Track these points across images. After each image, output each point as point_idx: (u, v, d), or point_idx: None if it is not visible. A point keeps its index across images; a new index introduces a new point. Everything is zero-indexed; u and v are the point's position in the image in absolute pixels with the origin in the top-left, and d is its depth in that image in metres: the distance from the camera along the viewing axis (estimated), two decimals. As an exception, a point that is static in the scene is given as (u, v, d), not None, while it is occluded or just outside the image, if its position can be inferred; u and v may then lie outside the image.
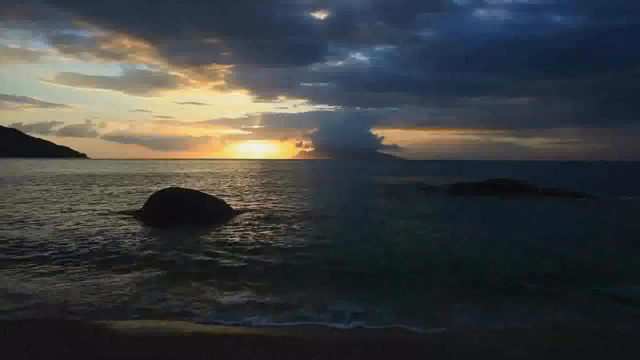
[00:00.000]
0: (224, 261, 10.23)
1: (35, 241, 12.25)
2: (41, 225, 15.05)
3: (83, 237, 12.99)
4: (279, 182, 44.05)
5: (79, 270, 9.33)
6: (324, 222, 16.49)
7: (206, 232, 14.07)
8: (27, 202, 22.21)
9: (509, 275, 9.05)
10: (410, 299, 7.56)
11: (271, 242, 12.50)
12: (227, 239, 12.81)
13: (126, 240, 12.51)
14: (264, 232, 14.09)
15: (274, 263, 10.04)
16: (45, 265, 9.70)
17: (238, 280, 8.70)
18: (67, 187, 33.17)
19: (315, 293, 7.82)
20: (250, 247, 11.68)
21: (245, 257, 10.64)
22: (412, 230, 14.84)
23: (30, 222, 15.61)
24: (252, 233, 13.94)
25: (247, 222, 16.05)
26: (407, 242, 12.91)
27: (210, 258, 10.47)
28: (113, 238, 12.83)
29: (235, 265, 9.93)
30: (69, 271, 9.27)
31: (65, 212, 18.67)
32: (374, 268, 9.66)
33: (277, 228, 14.93)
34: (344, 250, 11.47)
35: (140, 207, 18.50)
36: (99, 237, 13.02)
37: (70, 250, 11.26)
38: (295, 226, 15.34)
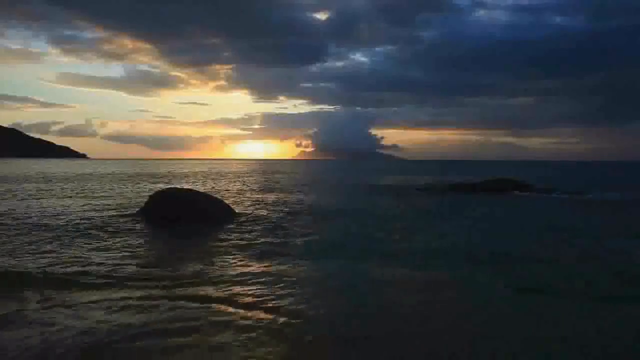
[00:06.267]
0: (220, 266, 10.21)
1: (29, 239, 12.22)
2: (37, 224, 15.00)
3: (81, 236, 12.97)
4: (279, 182, 44.01)
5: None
6: (326, 224, 16.49)
7: (206, 233, 14.07)
8: (25, 201, 22.17)
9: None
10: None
11: (271, 246, 12.34)
12: (227, 241, 12.77)
13: (122, 241, 12.47)
14: (264, 234, 14.07)
15: (270, 271, 9.82)
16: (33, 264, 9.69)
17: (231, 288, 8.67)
18: (66, 187, 33.14)
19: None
20: (250, 252, 11.54)
21: (242, 262, 10.60)
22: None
23: (26, 221, 15.57)
24: (252, 235, 13.91)
25: (247, 224, 16.01)
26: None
27: (207, 261, 10.45)
28: (110, 238, 12.79)
29: (230, 272, 9.90)
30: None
31: (63, 211, 18.63)
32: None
33: (277, 230, 14.91)
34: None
35: (140, 207, 18.48)
36: (96, 236, 12.97)
37: (63, 250, 11.23)
38: (295, 229, 15.32)
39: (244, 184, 39.70)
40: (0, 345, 5.69)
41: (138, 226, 15.10)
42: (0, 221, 15.66)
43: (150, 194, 20.40)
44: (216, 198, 19.90)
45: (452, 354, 5.58)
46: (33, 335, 5.96)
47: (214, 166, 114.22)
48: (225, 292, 7.87)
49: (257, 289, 8.04)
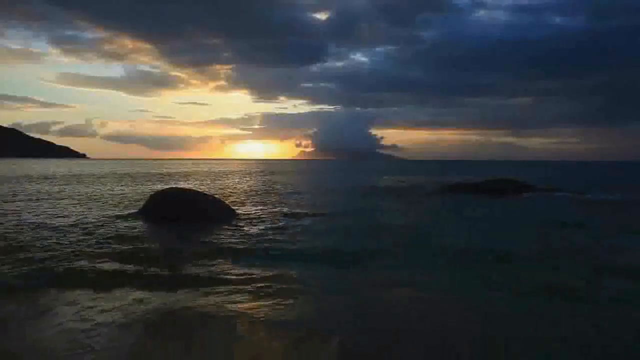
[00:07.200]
0: (219, 266, 10.20)
1: (25, 241, 12.19)
2: (36, 224, 14.99)
3: (80, 236, 12.96)
4: (279, 182, 44.01)
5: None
6: (325, 225, 16.49)
7: (206, 233, 14.05)
8: (24, 201, 22.16)
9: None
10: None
11: (270, 247, 12.31)
12: (226, 241, 12.77)
13: (124, 241, 12.46)
14: (264, 235, 14.06)
15: (269, 272, 9.83)
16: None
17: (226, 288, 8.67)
18: (65, 187, 33.13)
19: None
20: (250, 253, 11.46)
21: (241, 262, 10.59)
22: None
23: (25, 222, 15.55)
24: (251, 235, 13.91)
25: (247, 224, 16.01)
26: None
27: (206, 260, 10.45)
28: (111, 238, 12.78)
29: (229, 272, 9.89)
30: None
31: (63, 211, 18.63)
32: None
33: (276, 230, 14.91)
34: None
35: (140, 207, 18.48)
36: (97, 236, 12.97)
37: (66, 249, 11.23)
38: (295, 229, 15.32)
39: (243, 184, 39.70)
40: (2, 347, 5.70)
41: (138, 226, 15.10)
42: (0, 222, 15.67)
43: (150, 193, 20.41)
44: (216, 198, 19.91)
45: (452, 354, 5.57)
46: (33, 335, 5.96)
47: (214, 166, 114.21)
48: (224, 292, 7.87)
49: (255, 289, 8.03)
